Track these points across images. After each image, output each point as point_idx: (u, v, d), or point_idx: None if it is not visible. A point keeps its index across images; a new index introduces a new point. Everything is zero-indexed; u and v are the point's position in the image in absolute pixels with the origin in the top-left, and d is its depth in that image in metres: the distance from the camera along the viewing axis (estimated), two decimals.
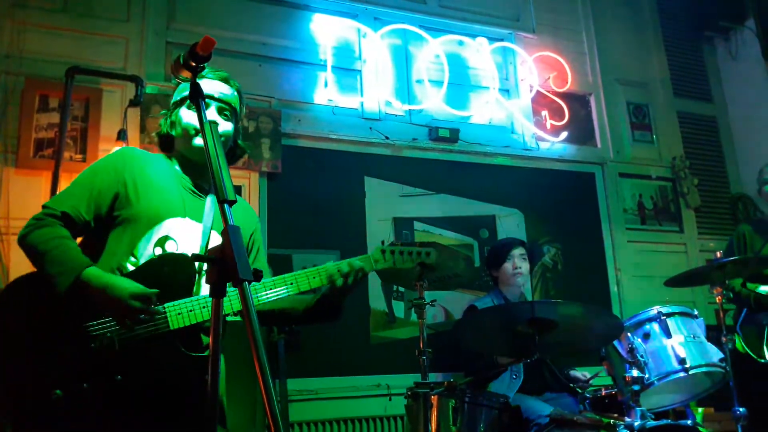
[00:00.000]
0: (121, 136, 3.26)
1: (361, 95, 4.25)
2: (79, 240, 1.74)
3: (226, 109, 1.85)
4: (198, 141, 1.78)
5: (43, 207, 1.70)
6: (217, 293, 1.19)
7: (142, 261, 1.68)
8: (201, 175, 1.87)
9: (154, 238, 1.70)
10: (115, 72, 3.48)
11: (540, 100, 4.77)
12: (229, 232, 1.18)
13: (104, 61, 3.60)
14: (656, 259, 4.78)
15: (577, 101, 4.97)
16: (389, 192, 4.14)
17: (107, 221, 1.72)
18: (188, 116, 1.81)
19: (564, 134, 4.73)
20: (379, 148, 4.19)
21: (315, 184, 3.92)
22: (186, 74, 1.38)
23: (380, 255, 1.90)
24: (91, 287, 1.57)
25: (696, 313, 2.76)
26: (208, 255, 1.21)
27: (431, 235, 4.14)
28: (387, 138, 4.20)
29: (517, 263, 3.43)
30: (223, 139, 1.83)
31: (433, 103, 4.38)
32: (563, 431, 2.50)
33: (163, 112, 1.91)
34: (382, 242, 2.00)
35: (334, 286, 1.85)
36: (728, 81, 5.62)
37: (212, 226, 1.78)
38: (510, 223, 4.41)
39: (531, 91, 4.73)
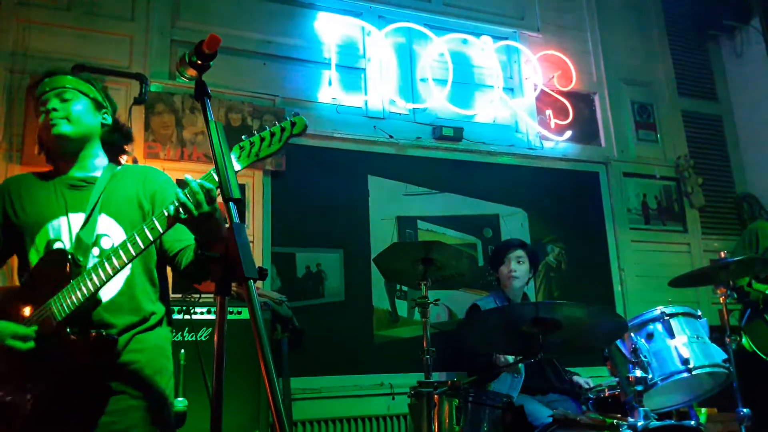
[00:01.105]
0: None
1: (365, 94, 4.24)
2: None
3: (62, 91, 1.86)
4: (53, 129, 1.81)
5: None
6: (223, 291, 1.19)
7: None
8: (80, 164, 1.88)
9: (42, 244, 1.78)
10: (120, 70, 3.48)
11: (544, 99, 4.76)
12: (233, 230, 1.18)
13: (109, 59, 3.60)
14: (660, 259, 4.77)
15: (582, 100, 4.96)
16: (393, 191, 4.14)
17: (9, 247, 1.85)
18: (41, 117, 1.85)
19: (568, 133, 4.73)
20: (383, 146, 4.19)
21: (319, 183, 3.92)
22: (191, 72, 1.38)
23: (237, 154, 1.55)
24: None
25: (699, 313, 2.75)
26: (213, 253, 1.21)
27: (435, 234, 4.14)
28: (391, 137, 4.20)
29: (512, 266, 3.42)
30: (71, 119, 1.83)
31: (437, 101, 4.38)
32: (567, 431, 2.50)
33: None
34: (241, 138, 1.59)
35: (194, 217, 1.54)
36: (733, 80, 5.60)
37: (100, 209, 1.80)
38: (514, 223, 4.40)
39: (535, 90, 4.73)
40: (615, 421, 2.41)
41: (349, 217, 3.97)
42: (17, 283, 1.89)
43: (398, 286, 3.95)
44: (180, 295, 2.94)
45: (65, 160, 1.89)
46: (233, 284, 1.22)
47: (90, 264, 1.71)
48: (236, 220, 1.21)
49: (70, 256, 1.71)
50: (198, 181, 1.54)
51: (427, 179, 4.24)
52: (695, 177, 5.06)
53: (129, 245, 1.61)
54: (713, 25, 5.54)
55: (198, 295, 2.96)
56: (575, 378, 3.25)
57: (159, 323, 1.84)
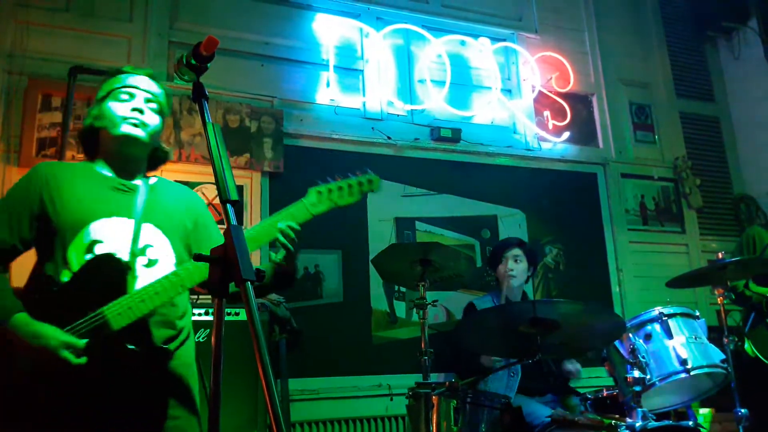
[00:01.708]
0: None
1: (364, 95, 4.25)
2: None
3: (152, 101, 1.82)
4: (123, 129, 1.75)
5: None
6: (220, 293, 1.19)
7: (75, 269, 1.66)
8: (129, 170, 1.83)
9: (83, 245, 1.67)
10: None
11: (542, 101, 4.76)
12: (231, 232, 1.18)
13: (107, 61, 3.59)
14: (658, 259, 4.78)
15: (580, 101, 4.96)
16: (391, 192, 4.14)
17: (37, 241, 1.72)
18: (114, 106, 1.77)
19: (566, 134, 4.73)
20: (381, 148, 4.19)
21: (317, 184, 3.91)
22: (189, 74, 1.37)
23: (316, 197, 1.81)
24: (18, 335, 1.55)
25: (698, 313, 2.75)
26: (210, 255, 1.21)
27: (433, 235, 4.14)
28: (389, 138, 4.20)
29: (510, 265, 3.41)
30: (150, 131, 1.79)
31: (435, 103, 4.38)
32: None
33: (88, 109, 1.86)
34: (318, 182, 1.85)
35: (286, 249, 1.76)
36: (731, 81, 5.61)
37: (144, 218, 1.74)
38: (512, 224, 4.40)
39: (533, 91, 4.73)
40: (613, 421, 2.41)
41: (347, 218, 3.97)
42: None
43: (396, 288, 3.96)
44: None
45: (114, 160, 1.82)
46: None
47: (137, 273, 1.68)
48: (234, 221, 1.21)
49: (126, 265, 1.66)
50: (286, 224, 1.72)
51: (425, 180, 4.24)
52: (693, 178, 5.07)
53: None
54: (711, 27, 5.56)
55: (196, 297, 2.95)
56: (567, 366, 3.23)
57: (189, 336, 1.84)
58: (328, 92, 4.12)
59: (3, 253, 1.69)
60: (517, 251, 3.45)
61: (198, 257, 1.23)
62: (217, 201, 3.58)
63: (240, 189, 3.72)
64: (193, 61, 1.35)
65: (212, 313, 2.86)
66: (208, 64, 1.37)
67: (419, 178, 4.23)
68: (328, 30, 4.23)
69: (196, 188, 3.60)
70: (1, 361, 1.58)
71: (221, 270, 1.19)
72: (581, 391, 3.02)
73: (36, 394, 1.55)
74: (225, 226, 1.20)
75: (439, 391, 2.57)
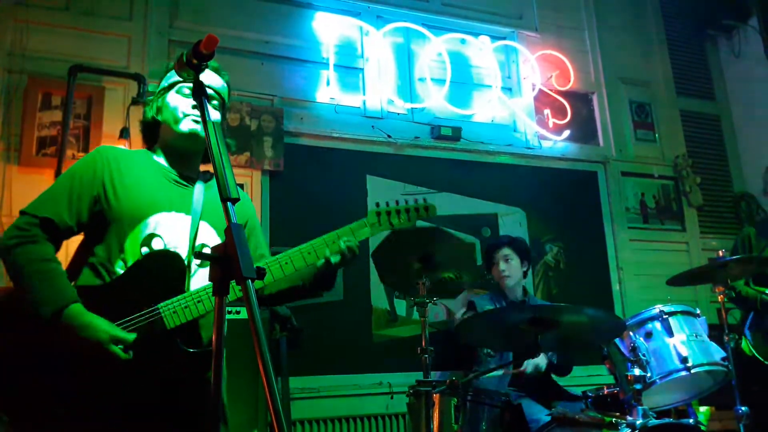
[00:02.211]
0: (124, 134, 3.27)
1: (364, 94, 4.24)
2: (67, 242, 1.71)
3: (215, 98, 1.80)
4: (184, 126, 1.72)
5: (23, 213, 1.62)
6: (221, 292, 1.19)
7: (130, 261, 1.62)
8: (187, 164, 1.80)
9: (140, 238, 1.64)
10: (118, 70, 3.50)
11: (542, 99, 4.76)
12: (231, 230, 1.18)
13: (107, 60, 3.61)
14: (658, 257, 4.78)
15: (580, 100, 4.96)
16: (391, 190, 4.14)
17: (91, 224, 1.66)
18: (176, 100, 1.75)
19: (566, 133, 4.73)
20: (381, 146, 4.19)
21: (317, 183, 3.92)
22: (189, 73, 1.37)
23: (375, 218, 1.87)
24: (71, 324, 1.51)
25: (698, 311, 2.75)
26: (212, 253, 1.21)
27: None
28: (389, 136, 4.20)
29: (501, 267, 3.38)
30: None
31: (436, 101, 4.38)
32: (565, 430, 2.50)
33: (149, 98, 1.83)
34: (377, 204, 1.91)
35: (330, 262, 1.79)
36: (731, 79, 5.61)
37: (201, 216, 1.72)
38: (512, 222, 4.40)
39: (533, 89, 4.73)
40: (614, 419, 2.41)
41: (347, 217, 3.89)
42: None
43: None
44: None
45: (174, 154, 1.79)
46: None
47: (194, 272, 1.66)
48: (234, 220, 1.21)
49: (185, 263, 1.63)
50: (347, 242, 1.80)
51: (425, 179, 4.24)
52: (693, 176, 5.07)
53: (292, 259, 1.69)
54: (711, 25, 5.56)
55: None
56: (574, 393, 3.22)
57: None
58: (328, 91, 4.12)
59: (59, 233, 1.63)
60: (506, 251, 3.42)
61: (199, 255, 1.23)
62: None
63: (240, 187, 3.71)
64: (193, 60, 1.35)
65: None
66: (208, 63, 1.38)
67: (419, 177, 4.23)
68: (328, 28, 4.23)
69: None
70: (46, 350, 1.53)
71: (222, 268, 1.19)
72: (582, 389, 3.02)
73: (78, 387, 1.51)
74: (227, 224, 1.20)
75: (439, 389, 2.57)
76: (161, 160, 1.80)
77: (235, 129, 3.75)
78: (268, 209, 3.77)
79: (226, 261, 1.17)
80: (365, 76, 4.29)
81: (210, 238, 1.74)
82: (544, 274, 4.44)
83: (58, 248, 1.65)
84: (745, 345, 3.41)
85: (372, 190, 4.09)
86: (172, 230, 1.67)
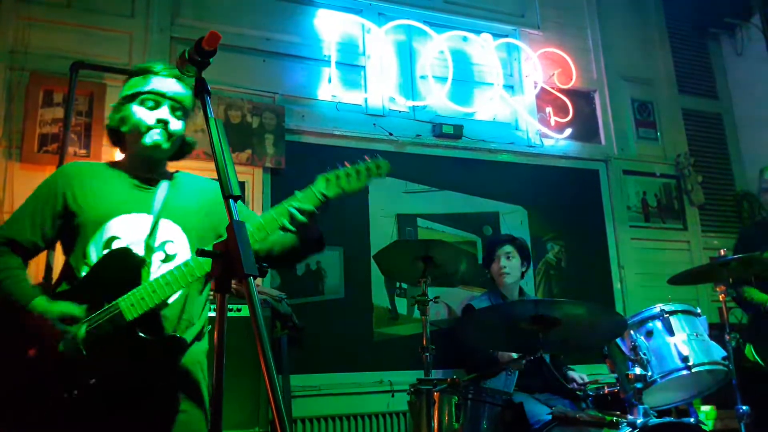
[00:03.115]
0: None
1: (365, 91, 4.24)
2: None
3: (178, 108, 1.85)
4: (148, 139, 1.79)
5: None
6: (222, 288, 1.19)
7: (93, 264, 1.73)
8: (151, 169, 1.87)
9: (102, 241, 1.73)
10: (120, 67, 3.48)
11: (544, 97, 4.76)
12: (233, 227, 1.18)
13: (108, 57, 3.60)
14: (660, 256, 4.77)
15: (582, 98, 4.95)
16: (392, 188, 4.13)
17: (60, 236, 1.80)
18: (140, 113, 1.80)
19: (568, 131, 4.73)
20: (383, 144, 4.19)
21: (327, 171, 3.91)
22: (191, 69, 1.38)
23: (324, 183, 1.83)
24: (35, 316, 1.64)
25: (699, 311, 2.76)
26: (213, 249, 1.21)
27: (434, 232, 4.14)
28: (391, 134, 4.20)
29: (502, 263, 3.40)
30: (173, 138, 1.84)
31: (437, 99, 4.37)
32: (566, 429, 2.50)
33: (113, 105, 1.89)
34: (327, 169, 1.86)
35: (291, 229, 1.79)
36: (733, 78, 5.59)
37: (162, 214, 1.79)
38: (514, 220, 4.40)
39: (535, 87, 4.72)
40: (614, 418, 2.41)
41: (348, 214, 3.97)
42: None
43: (398, 284, 3.96)
44: None
45: (137, 160, 1.87)
46: (233, 281, 1.22)
47: (155, 267, 1.73)
48: (236, 217, 1.21)
49: (140, 257, 1.70)
50: (296, 206, 1.74)
51: (426, 177, 4.24)
52: (695, 175, 5.06)
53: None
54: (713, 23, 5.54)
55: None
56: (570, 373, 3.24)
57: (204, 334, 1.87)
58: (329, 88, 4.12)
59: (24, 251, 1.77)
60: (508, 248, 3.45)
61: (201, 252, 1.23)
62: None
63: (242, 185, 3.72)
64: (195, 57, 1.35)
65: (214, 309, 2.87)
66: (211, 60, 1.38)
67: (421, 175, 4.22)
68: (330, 26, 4.23)
69: None
70: (14, 348, 1.64)
71: (223, 265, 1.19)
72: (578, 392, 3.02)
73: (45, 383, 1.59)
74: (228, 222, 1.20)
75: (440, 388, 2.58)
76: (124, 165, 1.88)
77: (236, 126, 3.75)
78: (270, 206, 3.76)
79: (227, 258, 1.18)
80: (367, 73, 4.28)
81: (174, 234, 1.80)
82: (546, 272, 4.44)
83: (26, 261, 1.80)
84: (748, 350, 3.40)
85: (373, 187, 4.08)
86: (131, 231, 1.76)
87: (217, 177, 1.26)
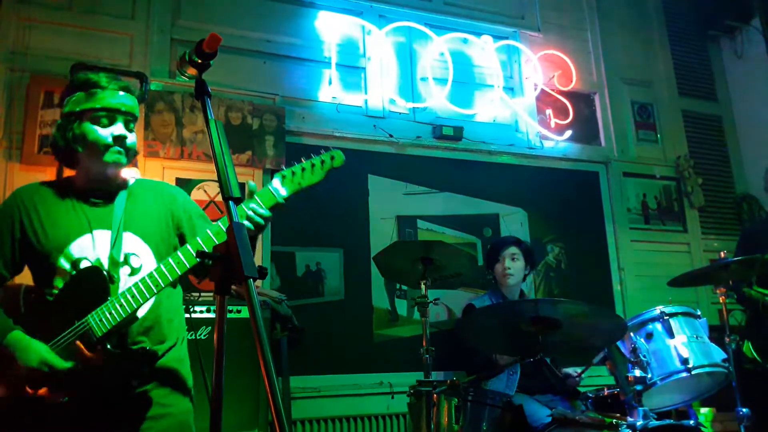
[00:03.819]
0: None
1: (366, 93, 4.24)
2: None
3: (131, 120, 1.84)
4: (109, 158, 1.78)
5: None
6: (222, 291, 1.19)
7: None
8: (107, 184, 1.86)
9: (68, 266, 1.74)
10: (120, 69, 3.49)
11: (544, 99, 4.76)
12: (233, 230, 1.18)
13: (109, 58, 3.61)
14: (660, 258, 4.77)
15: (582, 100, 4.96)
16: (393, 190, 4.14)
17: (26, 262, 1.80)
18: (96, 131, 1.77)
19: (568, 133, 4.73)
20: (383, 146, 4.19)
21: (318, 182, 3.91)
22: (192, 71, 1.38)
23: (281, 181, 1.81)
24: (11, 350, 1.65)
25: (699, 313, 2.75)
26: (213, 252, 1.21)
27: (435, 234, 4.14)
28: (391, 136, 4.20)
29: (507, 264, 3.42)
30: (131, 152, 1.84)
31: (438, 101, 4.38)
32: (566, 431, 2.50)
33: (58, 122, 1.84)
34: (282, 167, 1.89)
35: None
36: (733, 80, 5.60)
37: (123, 227, 1.79)
38: (513, 222, 4.40)
39: (535, 89, 4.73)
40: (614, 420, 2.41)
41: (348, 216, 3.97)
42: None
43: (398, 286, 3.96)
44: None
45: (95, 179, 1.84)
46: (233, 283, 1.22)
47: (123, 282, 1.73)
48: (236, 219, 1.21)
49: (106, 274, 1.71)
50: (252, 207, 1.72)
51: (427, 178, 4.24)
52: (695, 177, 5.06)
53: (182, 258, 1.68)
54: (714, 25, 5.55)
55: (198, 294, 2.96)
56: (564, 370, 3.25)
57: (179, 340, 1.89)
58: (330, 90, 4.12)
59: None
60: (513, 249, 3.47)
61: (201, 254, 1.23)
62: (219, 198, 3.59)
63: (242, 186, 3.71)
64: (195, 59, 1.35)
65: (214, 311, 2.87)
66: (211, 62, 1.38)
67: (421, 177, 4.23)
68: (331, 28, 4.23)
69: (198, 185, 3.61)
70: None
71: (223, 267, 1.19)
72: (583, 390, 3.02)
73: (23, 405, 1.64)
74: (228, 223, 1.20)
75: (440, 390, 2.57)
76: (79, 180, 1.86)
77: (236, 127, 3.75)
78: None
79: (227, 260, 1.18)
80: (367, 75, 4.29)
81: (137, 246, 1.81)
82: (545, 274, 4.44)
83: None
84: (746, 347, 3.40)
85: (373, 189, 4.09)
86: (95, 248, 1.76)
87: (217, 178, 1.26)
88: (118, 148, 1.79)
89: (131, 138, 1.83)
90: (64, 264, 1.74)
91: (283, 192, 1.78)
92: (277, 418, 1.05)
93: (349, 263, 3.89)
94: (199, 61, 1.36)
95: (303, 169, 1.84)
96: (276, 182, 1.79)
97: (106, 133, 1.78)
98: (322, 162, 1.89)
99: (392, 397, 3.56)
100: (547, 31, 4.96)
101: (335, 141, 4.04)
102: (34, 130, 3.37)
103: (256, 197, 1.75)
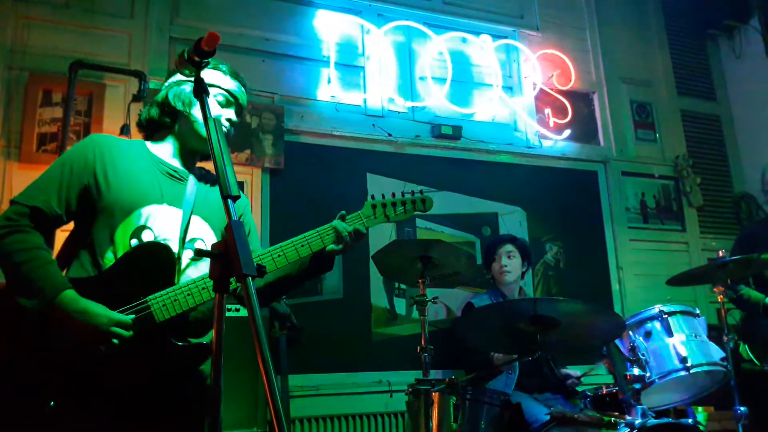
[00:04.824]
0: (124, 131, 3.26)
1: (364, 92, 4.24)
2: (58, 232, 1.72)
3: (238, 113, 1.89)
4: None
5: (12, 202, 1.60)
6: (221, 288, 1.19)
7: (120, 253, 1.60)
8: (190, 161, 1.83)
9: (130, 229, 1.62)
10: (119, 67, 3.49)
11: (543, 98, 4.76)
12: (232, 228, 1.18)
13: (108, 56, 3.60)
14: (658, 257, 4.78)
15: (581, 99, 4.96)
16: (391, 189, 4.07)
17: (81, 214, 1.64)
18: (212, 106, 1.74)
19: (567, 132, 4.73)
20: (382, 145, 4.19)
21: (317, 181, 3.92)
22: (190, 70, 1.38)
23: (371, 211, 1.82)
24: (67, 312, 1.48)
25: (698, 312, 2.76)
26: (212, 250, 1.21)
27: (433, 233, 4.14)
28: (390, 135, 4.20)
29: (503, 261, 3.43)
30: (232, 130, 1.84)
31: (436, 100, 4.38)
32: (564, 429, 2.50)
33: (175, 83, 1.79)
34: (372, 196, 1.87)
35: (324, 251, 1.76)
36: (732, 79, 5.60)
37: (193, 210, 1.71)
38: (512, 221, 4.40)
39: (534, 88, 4.73)
40: (613, 419, 2.41)
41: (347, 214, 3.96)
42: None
43: (396, 285, 3.96)
44: None
45: (184, 148, 1.80)
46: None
47: (184, 266, 1.65)
48: (234, 217, 1.21)
49: (176, 256, 1.62)
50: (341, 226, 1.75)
51: (425, 177, 4.23)
52: (693, 176, 5.07)
53: (284, 252, 1.66)
54: (712, 25, 5.55)
55: None
56: (563, 370, 3.26)
57: None
58: (328, 89, 4.12)
59: (49, 222, 1.61)
60: (509, 247, 3.47)
61: (199, 252, 1.23)
62: None
63: (241, 185, 3.72)
64: (194, 57, 1.35)
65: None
66: (209, 60, 1.38)
67: (420, 176, 4.22)
68: (329, 26, 4.23)
69: None
70: (42, 340, 1.50)
71: (222, 265, 1.19)
72: (581, 388, 3.02)
73: (68, 381, 1.48)
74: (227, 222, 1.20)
75: (438, 388, 2.58)
76: (160, 150, 1.78)
77: (235, 126, 3.74)
78: (268, 207, 3.77)
79: (226, 258, 1.17)
80: (366, 74, 4.29)
81: (203, 232, 1.73)
82: (544, 273, 4.44)
83: (49, 237, 1.64)
84: (742, 348, 3.41)
85: (372, 188, 4.09)
86: (163, 223, 1.66)
87: (216, 176, 1.26)
88: (224, 127, 1.79)
89: (227, 113, 1.84)
90: (129, 226, 1.61)
91: (372, 222, 1.83)
92: (275, 416, 1.05)
93: (347, 262, 3.89)
94: (198, 59, 1.35)
95: (394, 204, 1.87)
96: (366, 210, 1.84)
97: (220, 112, 1.79)
98: (414, 203, 1.91)
99: (391, 396, 3.56)
100: (546, 30, 4.96)
101: (334, 140, 4.05)
102: (33, 129, 3.36)
103: (347, 218, 1.80)
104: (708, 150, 5.36)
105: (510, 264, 3.43)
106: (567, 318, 2.36)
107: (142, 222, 1.63)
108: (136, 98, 3.24)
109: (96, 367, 1.49)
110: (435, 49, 4.48)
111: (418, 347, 2.72)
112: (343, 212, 1.80)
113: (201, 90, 1.38)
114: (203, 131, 1.72)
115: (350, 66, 4.27)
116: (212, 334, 1.22)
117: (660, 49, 5.41)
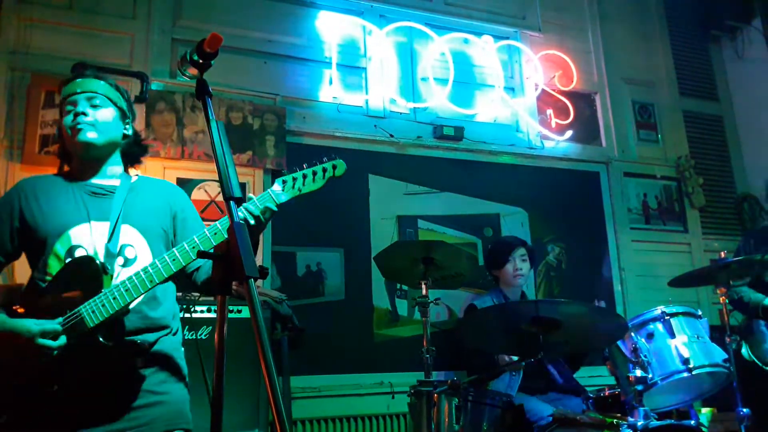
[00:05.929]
0: None
1: (366, 93, 4.24)
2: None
3: (93, 97, 1.88)
4: (75, 138, 1.83)
5: None
6: (223, 290, 1.20)
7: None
8: (98, 170, 1.90)
9: (64, 250, 1.76)
10: (121, 68, 3.50)
11: (545, 99, 4.76)
12: (234, 230, 1.18)
13: (110, 58, 3.61)
14: (660, 258, 4.77)
15: (583, 100, 4.95)
16: (393, 190, 4.14)
17: (26, 247, 1.83)
18: (65, 118, 1.86)
19: (569, 133, 4.73)
20: (384, 146, 4.19)
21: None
22: (193, 71, 1.38)
23: (281, 186, 1.86)
24: None
25: (700, 313, 2.75)
26: (214, 252, 1.21)
27: (435, 234, 4.14)
28: (391, 136, 4.20)
29: (518, 265, 3.44)
30: (98, 127, 1.86)
31: (438, 101, 4.38)
32: (566, 431, 2.50)
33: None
34: (282, 172, 1.89)
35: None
36: (734, 80, 5.59)
37: (120, 219, 1.81)
38: (514, 222, 4.40)
39: (536, 89, 4.73)
40: (615, 420, 2.41)
41: (349, 216, 3.97)
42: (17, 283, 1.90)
43: (398, 286, 3.95)
44: (180, 294, 2.93)
45: (85, 165, 1.90)
46: (234, 283, 1.22)
47: (116, 273, 1.74)
48: (237, 219, 1.21)
49: (100, 264, 1.71)
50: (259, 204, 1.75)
51: (427, 178, 4.24)
52: (696, 177, 5.06)
53: (177, 255, 1.68)
54: (715, 26, 5.55)
55: (198, 294, 2.96)
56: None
57: (172, 332, 1.89)
58: (330, 90, 4.12)
59: None
60: (523, 251, 3.50)
61: (201, 254, 1.24)
62: (220, 198, 3.59)
63: (243, 186, 3.72)
64: (196, 58, 1.36)
65: (215, 311, 2.87)
66: (212, 61, 1.38)
67: (422, 176, 4.23)
68: (331, 28, 4.23)
69: (198, 185, 3.61)
70: None
71: (224, 267, 1.19)
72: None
73: (21, 389, 1.62)
74: (229, 223, 1.20)
75: (440, 389, 2.58)
76: (75, 174, 1.91)
77: (237, 127, 3.76)
78: None
79: (228, 259, 1.18)
80: (368, 75, 4.29)
81: (133, 239, 1.83)
82: (546, 274, 4.44)
83: None
84: (745, 350, 3.41)
85: (374, 189, 4.09)
86: (92, 238, 1.78)
87: (218, 178, 1.26)
88: (80, 125, 1.82)
89: (99, 114, 1.86)
90: (60, 249, 1.76)
91: (283, 197, 1.83)
92: (277, 417, 1.05)
93: (349, 263, 3.89)
94: (200, 60, 1.36)
95: (304, 176, 1.89)
96: (276, 187, 1.84)
97: (70, 117, 1.86)
98: (324, 170, 1.95)
99: (393, 397, 3.56)
100: (547, 31, 4.96)
101: (336, 141, 4.05)
102: (35, 130, 3.37)
103: (254, 198, 1.78)
104: (710, 151, 5.36)
105: (524, 267, 3.46)
106: (569, 319, 2.36)
107: (74, 242, 1.77)
108: (138, 99, 3.25)
109: (41, 377, 1.62)
110: (437, 50, 4.48)
111: (420, 348, 2.72)
112: (251, 195, 1.80)
113: (203, 91, 1.38)
114: (71, 141, 1.86)
115: (352, 67, 4.27)
116: (215, 335, 1.22)
117: (662, 50, 5.40)
